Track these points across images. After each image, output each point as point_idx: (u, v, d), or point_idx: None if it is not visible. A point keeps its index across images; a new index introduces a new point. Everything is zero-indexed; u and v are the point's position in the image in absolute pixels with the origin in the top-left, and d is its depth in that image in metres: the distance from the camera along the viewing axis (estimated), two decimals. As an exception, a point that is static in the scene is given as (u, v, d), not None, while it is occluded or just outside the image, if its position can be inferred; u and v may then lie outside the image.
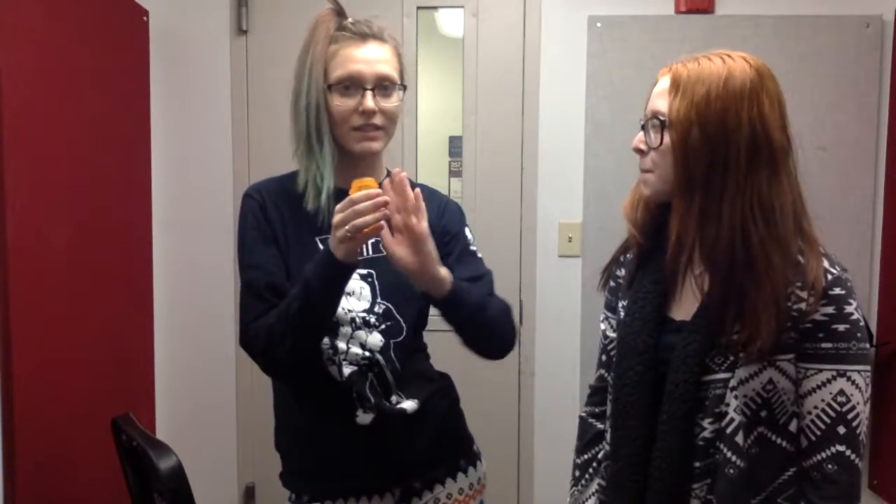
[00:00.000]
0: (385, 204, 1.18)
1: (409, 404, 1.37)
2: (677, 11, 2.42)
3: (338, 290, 1.26)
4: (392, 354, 1.36)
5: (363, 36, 1.34)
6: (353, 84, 1.32)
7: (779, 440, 1.11)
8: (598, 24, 2.45)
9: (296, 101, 1.35)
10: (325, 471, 1.38)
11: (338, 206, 1.20)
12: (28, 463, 1.72)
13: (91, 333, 2.00)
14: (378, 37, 1.36)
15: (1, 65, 1.64)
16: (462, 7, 2.52)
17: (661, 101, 1.11)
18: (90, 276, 1.99)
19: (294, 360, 1.31)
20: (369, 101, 1.32)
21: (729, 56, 1.10)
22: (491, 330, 1.37)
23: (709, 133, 1.06)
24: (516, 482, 2.58)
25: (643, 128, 1.15)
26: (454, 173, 2.60)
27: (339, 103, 1.32)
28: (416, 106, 2.52)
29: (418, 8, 2.51)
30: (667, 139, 1.09)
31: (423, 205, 1.21)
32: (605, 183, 2.46)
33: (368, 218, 1.17)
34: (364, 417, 1.33)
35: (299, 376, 1.36)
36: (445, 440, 1.45)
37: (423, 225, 1.20)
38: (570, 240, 2.51)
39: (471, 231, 1.47)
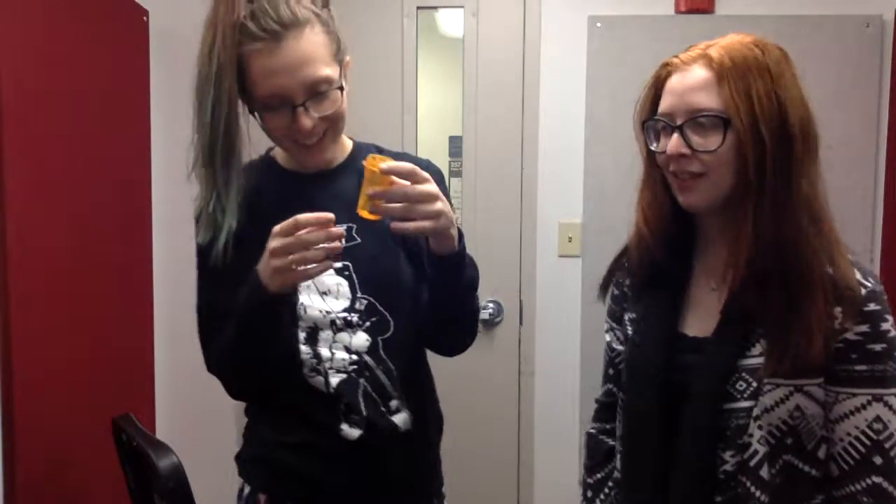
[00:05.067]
0: (340, 237, 1.02)
1: (401, 419, 1.23)
2: (677, 11, 2.42)
3: (272, 323, 1.11)
4: (382, 353, 1.21)
5: (274, 35, 1.08)
6: (278, 102, 1.11)
7: (806, 468, 1.01)
8: (598, 24, 2.45)
9: (197, 115, 1.13)
10: (297, 491, 1.24)
11: (276, 228, 1.02)
12: (28, 463, 1.71)
13: (91, 334, 2.00)
14: (293, 24, 1.08)
15: (1, 65, 1.63)
16: (462, 7, 2.52)
17: (703, 95, 0.99)
18: (90, 276, 1.99)
19: (250, 386, 1.22)
20: (303, 121, 1.11)
21: (759, 42, 1.01)
22: (472, 312, 1.26)
23: (774, 126, 0.97)
24: (516, 482, 2.58)
25: (679, 129, 1.00)
26: (454, 173, 2.59)
27: (268, 124, 1.14)
28: (416, 106, 2.52)
29: (418, 8, 2.51)
30: (729, 137, 0.97)
31: (414, 171, 1.05)
32: (605, 183, 2.46)
33: (319, 253, 1.01)
34: (350, 432, 1.19)
35: (276, 391, 1.23)
36: (425, 467, 1.31)
37: (428, 189, 1.05)
38: (570, 240, 2.51)
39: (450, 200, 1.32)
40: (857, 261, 1.01)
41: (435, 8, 2.58)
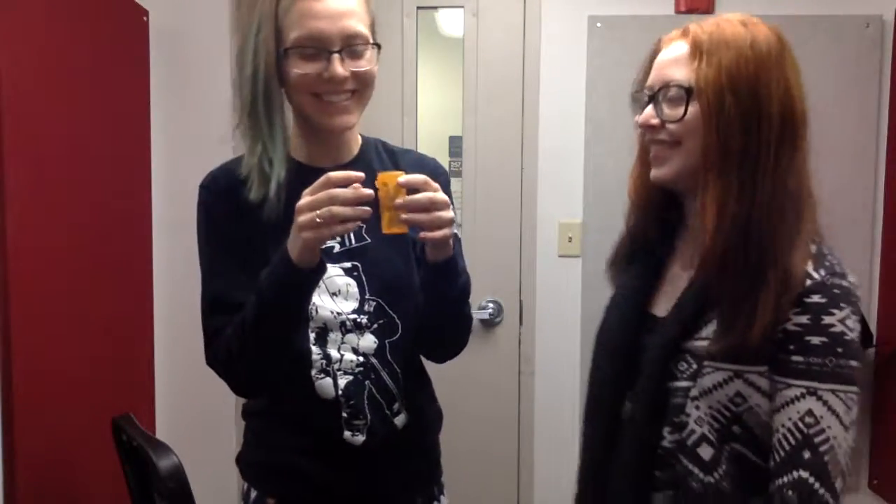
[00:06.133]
0: (368, 199, 1.01)
1: (401, 420, 1.24)
2: (677, 11, 2.42)
3: (298, 301, 1.10)
4: (389, 357, 1.22)
5: None
6: (314, 46, 1.10)
7: (756, 458, 1.01)
8: (598, 24, 2.45)
9: (240, 69, 1.14)
10: (305, 493, 1.23)
11: (309, 189, 1.02)
12: (28, 463, 1.71)
13: (91, 333, 2.00)
14: None
15: (1, 65, 1.63)
16: (462, 7, 2.52)
17: (677, 68, 1.01)
18: (90, 276, 1.99)
19: (259, 379, 1.18)
20: (337, 67, 1.10)
21: (749, 21, 1.03)
22: (462, 321, 1.26)
23: (742, 101, 0.97)
24: (516, 482, 2.58)
25: (652, 100, 1.04)
26: (454, 173, 2.59)
27: (299, 70, 1.10)
28: (416, 106, 2.52)
29: (418, 8, 2.51)
30: (692, 109, 0.99)
31: (430, 187, 1.06)
32: (605, 183, 2.46)
33: (348, 210, 1.00)
34: (353, 439, 1.19)
35: (280, 393, 1.21)
36: (426, 463, 1.33)
37: (444, 196, 1.06)
38: (570, 240, 2.51)
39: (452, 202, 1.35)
40: (823, 252, 1.00)
41: (435, 8, 2.58)
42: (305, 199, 1.02)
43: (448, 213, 1.07)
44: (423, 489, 1.33)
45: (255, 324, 1.10)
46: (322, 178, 1.02)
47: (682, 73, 1.01)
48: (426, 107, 2.56)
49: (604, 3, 2.46)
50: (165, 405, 2.47)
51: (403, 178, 1.05)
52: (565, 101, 2.48)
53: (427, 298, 1.20)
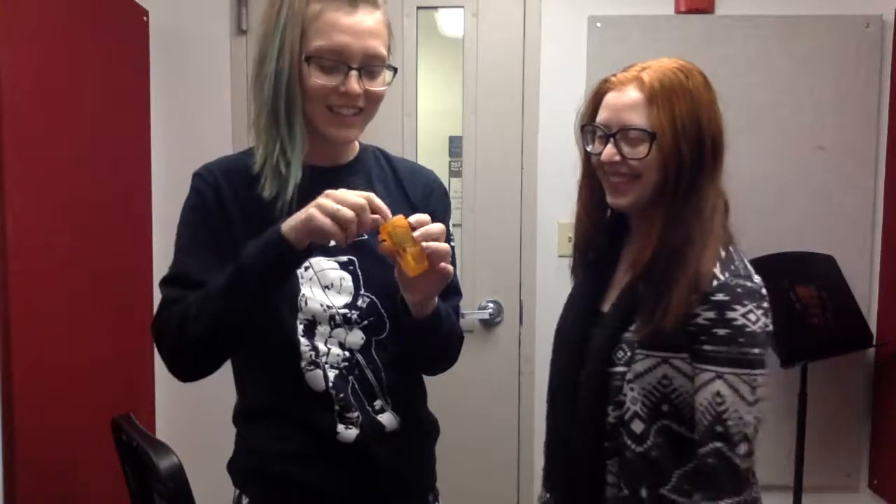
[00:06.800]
0: (365, 230, 1.05)
1: (387, 419, 1.23)
2: (677, 11, 2.42)
3: (278, 277, 1.09)
4: (373, 353, 1.22)
5: (351, 0, 1.13)
6: (335, 59, 1.13)
7: (684, 431, 1.18)
8: (598, 24, 2.45)
9: (260, 65, 1.15)
10: (297, 499, 1.23)
11: (352, 191, 1.05)
12: (28, 463, 1.72)
13: (91, 334, 2.00)
14: (370, 1, 1.15)
15: (1, 65, 1.64)
16: (462, 7, 2.52)
17: (634, 113, 1.17)
18: (90, 276, 1.99)
19: (201, 355, 1.16)
20: (354, 84, 1.14)
21: (685, 67, 1.19)
22: (442, 358, 1.30)
23: (690, 143, 1.15)
24: (516, 482, 2.58)
25: (612, 139, 1.18)
26: (454, 173, 2.60)
27: (317, 80, 1.13)
28: (416, 106, 2.52)
29: (418, 8, 2.51)
30: (654, 150, 1.15)
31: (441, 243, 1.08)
32: (605, 183, 2.46)
33: (353, 225, 1.02)
34: (347, 434, 1.19)
35: (271, 391, 1.21)
36: (421, 470, 1.33)
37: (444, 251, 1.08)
38: (570, 240, 2.49)
39: (451, 219, 1.35)
40: (730, 257, 1.18)
41: (435, 8, 2.58)
42: (344, 191, 1.04)
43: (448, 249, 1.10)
44: (418, 495, 1.33)
45: (228, 289, 1.08)
46: (369, 194, 1.05)
47: (640, 119, 1.16)
48: (426, 107, 2.56)
49: (604, 3, 2.45)
50: (165, 405, 2.47)
51: (413, 217, 1.08)
52: (565, 101, 2.46)
53: (413, 342, 1.22)
